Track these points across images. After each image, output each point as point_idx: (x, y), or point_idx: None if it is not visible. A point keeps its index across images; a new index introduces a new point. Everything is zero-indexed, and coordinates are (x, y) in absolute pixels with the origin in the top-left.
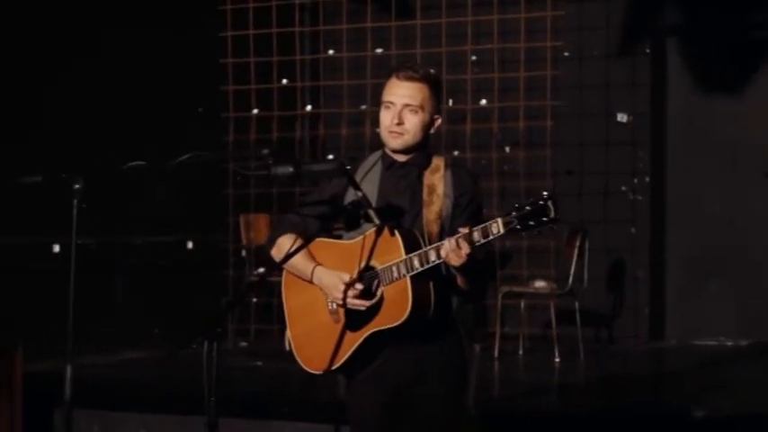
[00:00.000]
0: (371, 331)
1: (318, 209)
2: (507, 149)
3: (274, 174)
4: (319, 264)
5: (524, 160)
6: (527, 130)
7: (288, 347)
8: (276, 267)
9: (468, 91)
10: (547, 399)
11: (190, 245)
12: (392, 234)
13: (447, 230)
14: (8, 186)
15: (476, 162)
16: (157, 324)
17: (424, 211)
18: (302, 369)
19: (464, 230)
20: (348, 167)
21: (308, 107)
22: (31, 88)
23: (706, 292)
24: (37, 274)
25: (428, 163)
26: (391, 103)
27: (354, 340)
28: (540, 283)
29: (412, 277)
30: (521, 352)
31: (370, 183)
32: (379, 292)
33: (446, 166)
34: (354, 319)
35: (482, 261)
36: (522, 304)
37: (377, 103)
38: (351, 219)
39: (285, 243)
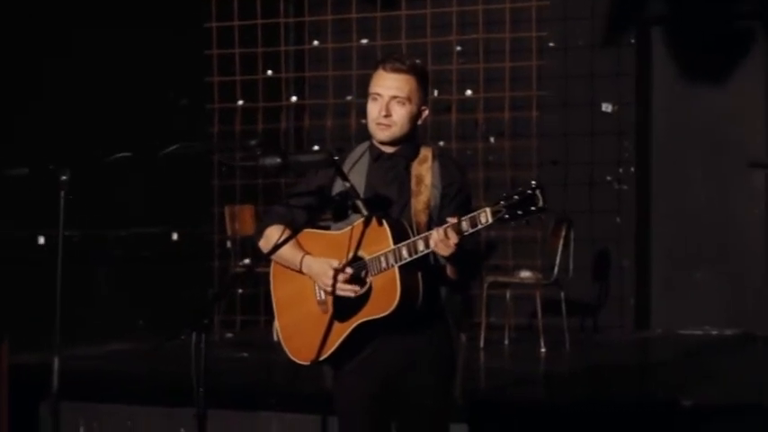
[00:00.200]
0: (360, 321)
1: (306, 200)
2: (492, 140)
3: (262, 164)
4: (308, 252)
5: (510, 150)
6: (512, 120)
7: (276, 338)
8: (264, 258)
9: (453, 81)
10: (533, 388)
11: (175, 236)
12: (380, 224)
13: (435, 221)
14: None
15: (461, 153)
16: (142, 316)
17: (412, 201)
18: (290, 360)
19: (452, 220)
20: (336, 158)
21: (294, 98)
22: (16, 80)
23: (691, 281)
24: (21, 266)
25: (416, 154)
26: (378, 94)
27: (342, 331)
28: (525, 273)
29: (400, 267)
30: (506, 342)
31: (357, 174)
32: (367, 283)
33: (434, 156)
34: (342, 310)
35: (470, 251)
36: (508, 294)
37: (362, 94)
38: (339, 209)
39: (273, 234)
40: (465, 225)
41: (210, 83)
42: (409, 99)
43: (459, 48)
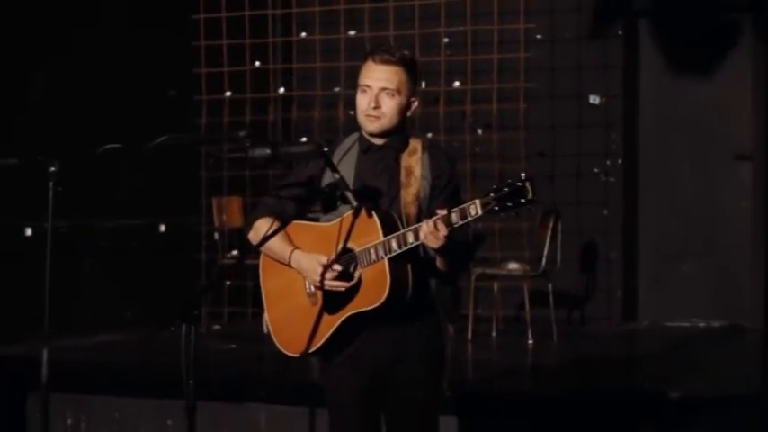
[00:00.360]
0: (349, 314)
1: (295, 191)
2: (480, 132)
3: (251, 156)
4: (297, 247)
5: (497, 142)
6: (500, 112)
7: (266, 330)
8: (253, 250)
9: (441, 73)
10: (520, 380)
11: (162, 228)
12: (370, 216)
13: (425, 212)
14: None
15: (448, 144)
16: (129, 307)
17: (402, 193)
18: (280, 352)
19: (442, 212)
20: (326, 149)
21: (281, 90)
22: (5, 73)
23: (678, 273)
24: (7, 257)
25: (405, 145)
26: (368, 86)
27: (332, 323)
28: (513, 265)
29: (390, 259)
30: (494, 334)
31: (346, 165)
32: (356, 275)
33: (423, 148)
34: (332, 302)
35: (460, 243)
36: (496, 286)
37: (350, 85)
38: (328, 201)
39: (262, 226)
40: (455, 217)
41: (198, 74)
42: (399, 91)
43: (446, 39)
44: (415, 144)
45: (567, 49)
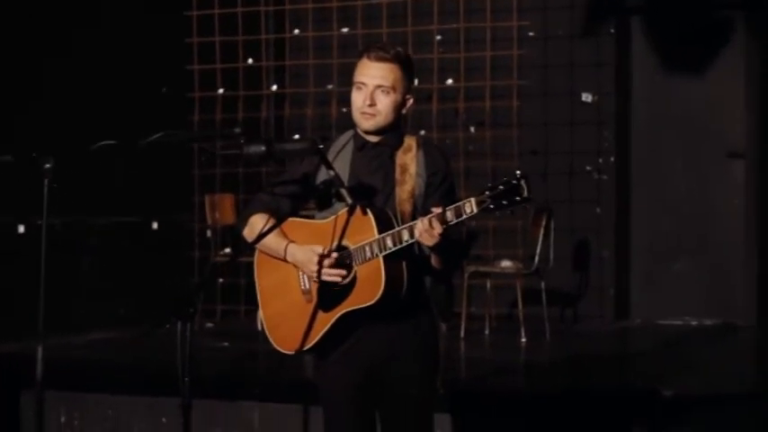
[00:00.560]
0: (344, 311)
1: (290, 188)
2: (472, 129)
3: (246, 153)
4: (292, 241)
5: (490, 140)
6: (493, 109)
7: (260, 327)
8: (249, 247)
9: (433, 70)
10: (513, 378)
11: (155, 225)
12: (364, 213)
13: (420, 210)
14: None
15: (441, 142)
16: (122, 304)
17: (397, 190)
18: (274, 349)
19: (437, 210)
20: (321, 146)
21: (274, 87)
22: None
23: (671, 271)
24: (1, 255)
25: (400, 143)
26: (363, 83)
27: (327, 320)
28: (506, 263)
29: (385, 257)
30: (487, 332)
31: (341, 162)
32: (351, 272)
33: (418, 145)
34: (327, 299)
35: (455, 241)
36: (489, 284)
37: (343, 82)
38: (323, 198)
39: (257, 223)
40: (450, 215)
41: (191, 71)
42: (394, 88)
43: (439, 36)
44: (410, 141)
45: (559, 47)
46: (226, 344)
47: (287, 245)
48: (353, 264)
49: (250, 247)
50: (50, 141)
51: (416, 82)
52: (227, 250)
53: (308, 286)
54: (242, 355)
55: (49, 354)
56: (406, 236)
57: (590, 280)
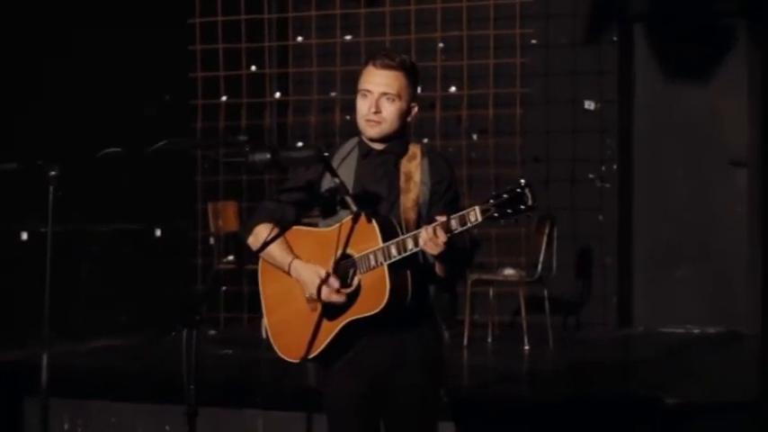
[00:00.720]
0: (349, 320)
1: (295, 196)
2: (475, 137)
3: (251, 161)
4: (297, 256)
5: (493, 148)
6: (496, 117)
7: (265, 335)
8: (254, 256)
9: (436, 78)
10: (516, 386)
11: (158, 232)
12: (369, 221)
13: (424, 218)
14: None
15: (444, 150)
16: (125, 312)
17: (402, 198)
18: (277, 357)
19: (441, 218)
20: (326, 154)
21: (277, 94)
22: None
23: (673, 279)
24: (3, 262)
25: (405, 151)
26: (368, 91)
27: (331, 329)
28: (509, 271)
29: (389, 265)
30: (490, 339)
31: (346, 170)
32: (356, 281)
33: (423, 153)
34: (331, 308)
35: (459, 249)
36: (491, 292)
37: (346, 90)
38: (327, 206)
39: (262, 231)
40: (454, 223)
41: (194, 78)
42: (399, 96)
43: (442, 44)
44: (414, 149)
45: (562, 55)
46: (229, 351)
47: (291, 260)
48: (358, 272)
49: (255, 256)
50: (53, 149)
51: (419, 90)
52: (230, 258)
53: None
54: (245, 363)
55: (53, 361)
56: (410, 244)
57: (592, 288)
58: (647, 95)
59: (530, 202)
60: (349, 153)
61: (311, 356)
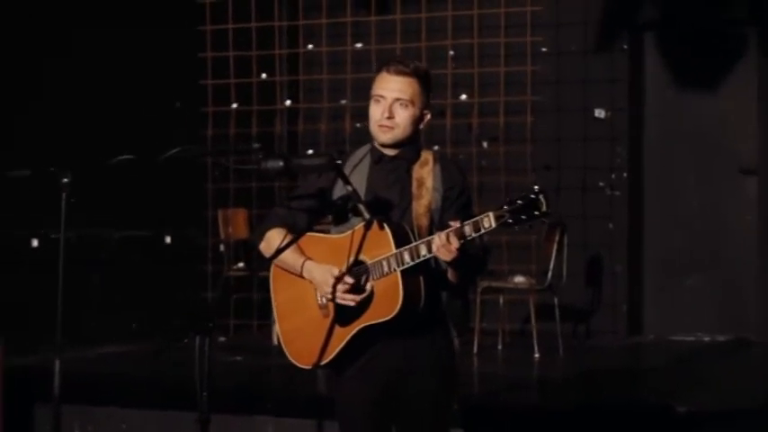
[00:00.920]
0: (362, 326)
1: (307, 203)
2: (485, 145)
3: (264, 168)
4: (309, 258)
5: (504, 155)
6: (506, 125)
7: (277, 342)
8: (267, 262)
9: (447, 86)
10: (526, 394)
11: (168, 239)
12: (381, 228)
13: (436, 224)
14: None
15: (454, 157)
16: (135, 319)
17: (414, 204)
18: (288, 364)
19: (455, 224)
20: (338, 161)
21: (288, 102)
22: (17, 80)
23: (683, 287)
24: (15, 268)
25: (417, 157)
26: (381, 96)
27: (344, 335)
28: (519, 279)
29: (402, 272)
30: (500, 347)
31: (358, 176)
32: (368, 287)
33: (435, 159)
34: (344, 314)
35: (473, 256)
36: (502, 299)
37: (356, 97)
38: (339, 213)
39: (274, 237)
40: (468, 229)
41: (205, 86)
42: (412, 102)
43: (452, 52)
44: (426, 156)
45: (572, 63)
46: (239, 358)
47: (304, 261)
48: (371, 278)
49: (267, 262)
50: (64, 156)
51: None
52: (240, 265)
53: (324, 301)
54: (256, 370)
55: (63, 367)
56: (423, 251)
57: (603, 295)
58: (657, 103)
59: (544, 209)
60: (361, 160)
61: (323, 363)
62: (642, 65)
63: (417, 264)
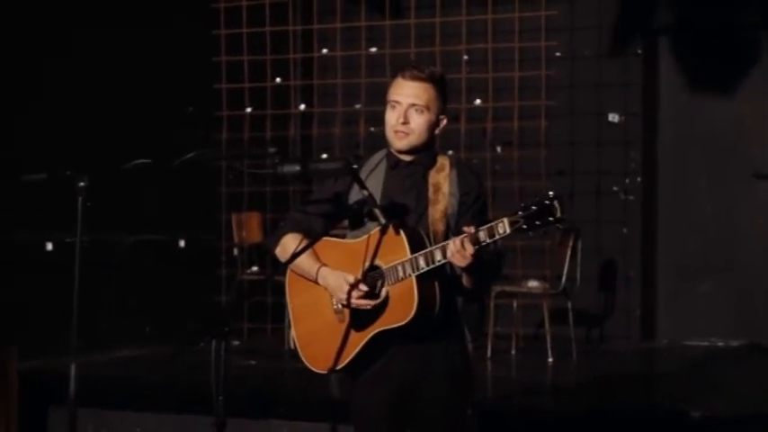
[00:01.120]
0: (377, 331)
1: (322, 207)
2: (499, 149)
3: (281, 172)
4: (324, 264)
5: (518, 160)
6: (520, 129)
7: (292, 346)
8: (283, 267)
9: (461, 90)
10: (540, 398)
11: (182, 243)
12: (397, 233)
13: (453, 229)
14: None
15: (468, 162)
16: (149, 322)
17: (430, 209)
18: (302, 368)
19: (469, 230)
20: (354, 166)
21: (302, 106)
22: (18, 83)
23: (697, 292)
24: (29, 271)
25: (433, 162)
26: (397, 102)
27: (360, 340)
28: (533, 283)
29: (417, 277)
30: (513, 351)
31: (374, 181)
32: (384, 292)
33: (451, 165)
34: (360, 319)
35: (487, 261)
36: (515, 304)
37: (371, 102)
38: (355, 217)
39: (290, 242)
40: (482, 235)
41: (219, 90)
42: (428, 107)
43: (467, 57)
44: (442, 161)
45: (586, 67)
46: (253, 362)
47: (319, 268)
48: (386, 283)
49: (283, 267)
50: (80, 160)
51: None
52: (254, 269)
53: (340, 306)
54: (270, 374)
55: (78, 370)
56: (438, 256)
57: (616, 300)
58: (671, 108)
59: (558, 214)
60: (377, 165)
61: (339, 367)
62: (656, 69)
63: (432, 269)
